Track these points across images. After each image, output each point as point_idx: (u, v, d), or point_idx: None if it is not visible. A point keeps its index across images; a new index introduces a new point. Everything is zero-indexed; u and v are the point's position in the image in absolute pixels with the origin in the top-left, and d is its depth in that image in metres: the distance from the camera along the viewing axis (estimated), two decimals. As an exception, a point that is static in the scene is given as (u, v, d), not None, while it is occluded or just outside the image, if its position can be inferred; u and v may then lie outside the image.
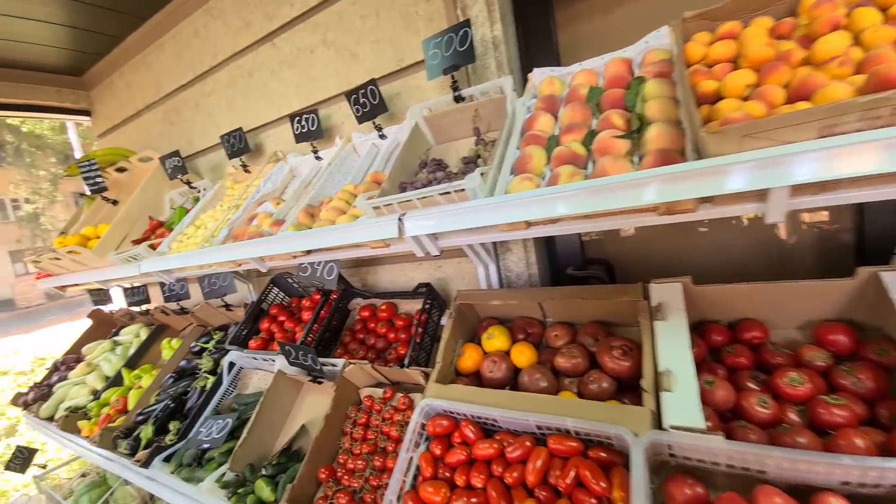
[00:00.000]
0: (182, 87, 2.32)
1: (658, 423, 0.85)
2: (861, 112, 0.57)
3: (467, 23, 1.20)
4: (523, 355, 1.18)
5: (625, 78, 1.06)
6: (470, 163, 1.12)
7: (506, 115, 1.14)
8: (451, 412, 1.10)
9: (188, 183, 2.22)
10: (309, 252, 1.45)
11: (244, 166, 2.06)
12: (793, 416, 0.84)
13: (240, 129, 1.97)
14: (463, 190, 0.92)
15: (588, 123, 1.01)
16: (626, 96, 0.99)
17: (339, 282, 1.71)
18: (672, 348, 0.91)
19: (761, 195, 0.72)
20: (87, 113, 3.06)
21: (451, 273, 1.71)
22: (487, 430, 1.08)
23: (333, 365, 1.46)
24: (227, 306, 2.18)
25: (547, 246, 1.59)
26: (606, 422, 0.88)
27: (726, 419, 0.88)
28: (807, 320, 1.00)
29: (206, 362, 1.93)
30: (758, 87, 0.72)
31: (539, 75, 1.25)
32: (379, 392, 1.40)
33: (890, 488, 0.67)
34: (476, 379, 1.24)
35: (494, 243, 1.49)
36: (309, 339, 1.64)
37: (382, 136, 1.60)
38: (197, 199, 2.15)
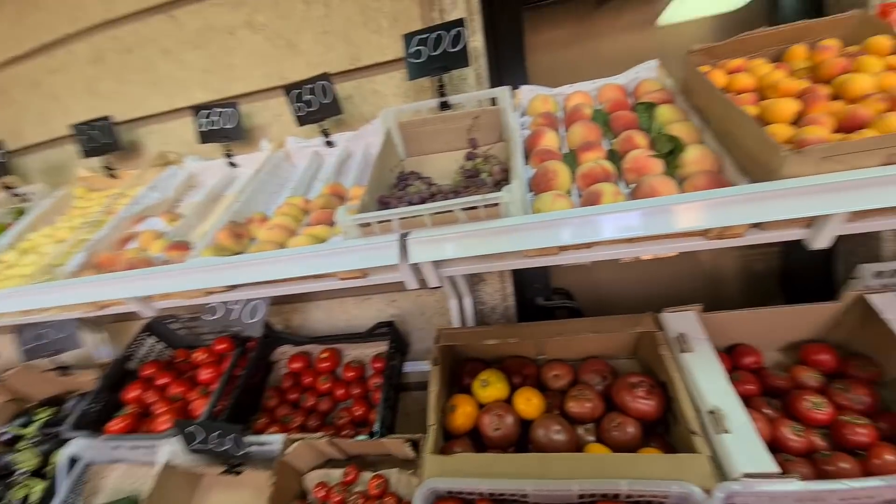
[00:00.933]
0: (15, 58, 1.62)
1: (718, 470, 0.76)
2: (929, 141, 0.59)
3: (461, 22, 1.06)
4: (531, 404, 1.00)
5: (625, 102, 1.04)
6: (473, 176, 0.95)
7: (504, 128, 1.02)
8: (464, 492, 0.84)
9: (9, 188, 1.52)
10: (233, 287, 1.05)
11: (108, 169, 1.50)
12: (818, 440, 0.85)
13: (107, 118, 1.44)
14: (495, 205, 0.74)
15: (601, 143, 0.95)
16: (640, 119, 0.96)
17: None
18: (712, 382, 0.85)
19: (811, 220, 0.72)
20: None
21: (408, 308, 1.46)
22: (505, 507, 0.86)
23: (264, 444, 1.05)
24: (64, 369, 1.50)
25: (516, 274, 1.48)
26: (663, 477, 0.76)
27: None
28: (788, 342, 1.06)
29: (26, 458, 1.24)
30: (803, 115, 0.73)
31: (528, 92, 1.17)
32: (335, 475, 1.04)
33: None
34: (473, 438, 1.01)
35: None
36: (218, 409, 1.18)
37: (330, 144, 1.32)
38: (21, 212, 1.47)
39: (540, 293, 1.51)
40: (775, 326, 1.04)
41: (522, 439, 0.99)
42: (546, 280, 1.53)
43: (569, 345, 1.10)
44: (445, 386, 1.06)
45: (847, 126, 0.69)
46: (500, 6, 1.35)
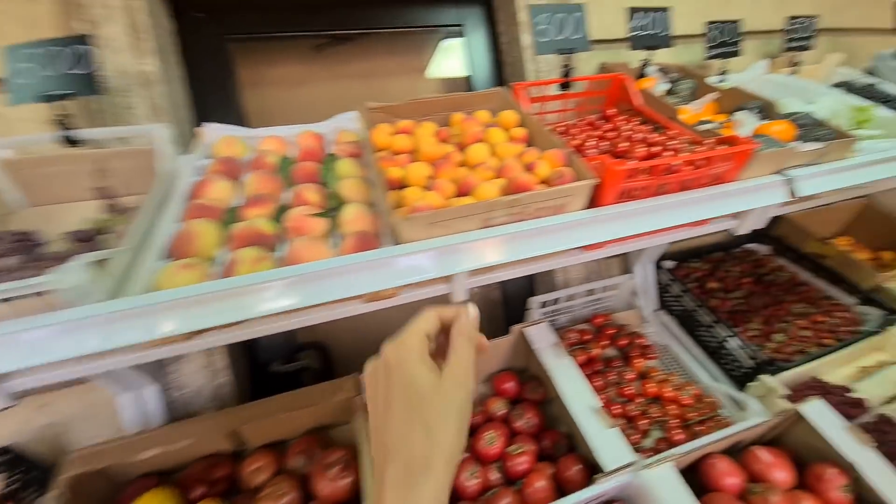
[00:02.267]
0: None
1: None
2: (506, 209, 0.68)
3: (83, 39, 0.82)
4: (207, 522, 0.79)
5: (319, 153, 0.98)
6: (86, 240, 0.71)
7: (156, 174, 0.82)
8: None
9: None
10: None
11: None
12: (493, 474, 0.91)
13: None
14: (48, 292, 0.53)
15: (278, 197, 0.85)
16: (322, 172, 0.90)
17: None
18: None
19: (448, 278, 0.77)
20: None
21: (69, 413, 1.06)
22: None
23: None
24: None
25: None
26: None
27: None
28: (487, 374, 1.17)
29: None
30: (434, 178, 0.78)
31: (214, 132, 1.00)
32: None
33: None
34: None
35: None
36: None
37: None
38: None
39: (279, 355, 1.33)
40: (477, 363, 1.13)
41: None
42: (289, 337, 1.37)
43: (275, 427, 0.95)
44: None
45: (462, 192, 0.75)
46: (192, 30, 1.16)
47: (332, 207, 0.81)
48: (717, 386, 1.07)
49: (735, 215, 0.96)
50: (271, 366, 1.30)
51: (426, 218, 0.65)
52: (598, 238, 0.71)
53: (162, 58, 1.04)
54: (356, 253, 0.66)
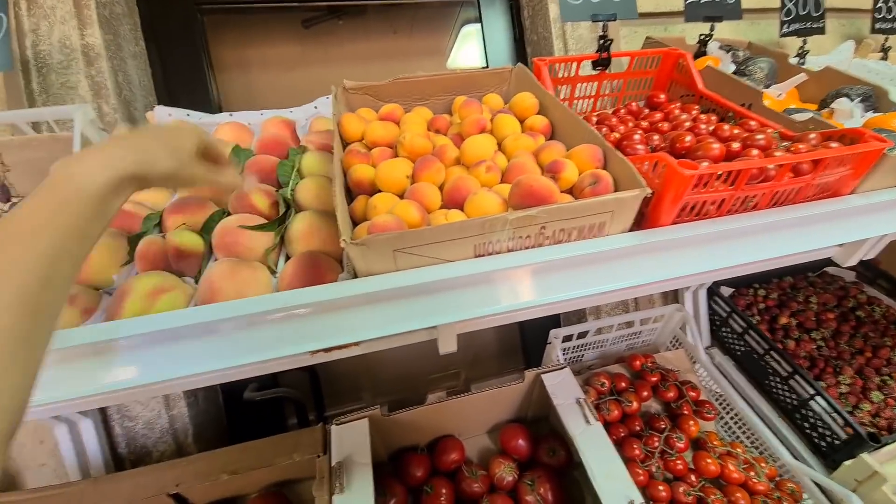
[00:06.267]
0: None
1: None
2: (514, 229, 0.46)
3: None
4: None
5: (285, 143, 0.78)
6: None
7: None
8: None
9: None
10: None
11: None
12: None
13: None
14: None
15: (215, 200, 0.66)
16: (281, 168, 0.70)
17: None
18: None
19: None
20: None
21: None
22: None
23: None
24: None
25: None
26: None
27: None
28: (494, 424, 0.95)
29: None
30: (414, 181, 0.56)
31: (163, 116, 0.82)
32: None
33: None
34: None
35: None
36: None
37: None
38: None
39: (254, 380, 1.15)
40: (479, 411, 0.91)
41: None
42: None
43: (226, 485, 0.76)
44: None
45: (451, 202, 0.53)
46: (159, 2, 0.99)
47: (281, 216, 0.61)
48: (799, 466, 0.80)
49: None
50: (245, 392, 1.12)
51: (388, 242, 0.43)
52: (652, 277, 0.47)
53: (110, 29, 0.87)
54: (290, 290, 0.45)
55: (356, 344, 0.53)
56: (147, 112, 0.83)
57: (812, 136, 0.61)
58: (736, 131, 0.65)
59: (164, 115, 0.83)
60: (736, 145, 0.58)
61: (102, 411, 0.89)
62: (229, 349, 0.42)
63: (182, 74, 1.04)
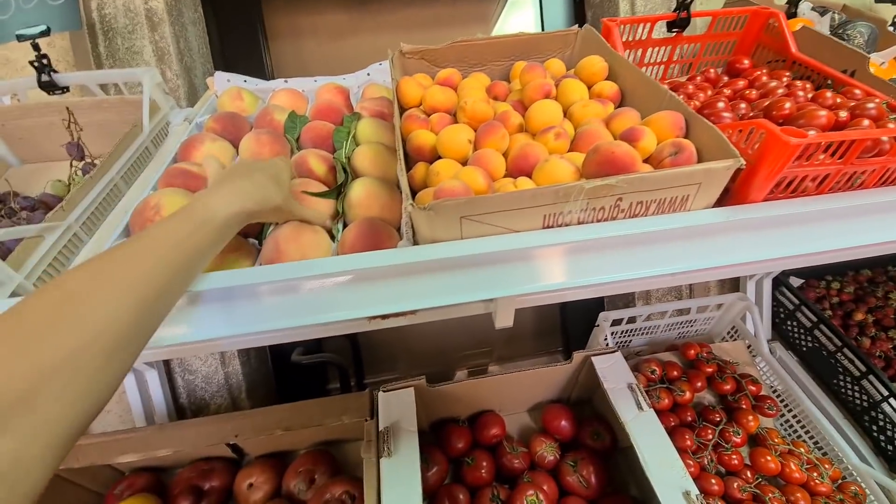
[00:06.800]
0: None
1: None
2: (589, 199, 0.43)
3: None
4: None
5: (339, 110, 0.77)
6: (31, 209, 0.57)
7: (143, 128, 0.66)
8: None
9: None
10: None
11: None
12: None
13: None
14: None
15: (279, 164, 0.66)
16: (336, 134, 0.70)
17: None
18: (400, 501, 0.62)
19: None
20: None
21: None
22: None
23: None
24: None
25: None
26: None
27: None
28: (536, 402, 0.94)
29: None
30: (476, 148, 0.54)
31: (222, 82, 0.83)
32: None
33: None
34: None
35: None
36: None
37: None
38: None
39: (301, 344, 1.19)
40: (521, 389, 0.90)
41: None
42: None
43: (276, 440, 0.80)
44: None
45: (518, 169, 0.51)
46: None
47: (340, 183, 0.60)
48: (867, 469, 0.74)
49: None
50: (292, 355, 1.17)
51: (455, 208, 0.41)
52: (743, 257, 0.43)
53: (175, -5, 0.88)
54: (352, 254, 0.45)
55: (413, 312, 0.53)
56: (207, 78, 0.85)
57: (933, 106, 0.53)
58: (839, 100, 0.57)
59: (223, 80, 0.84)
60: (843, 114, 0.52)
61: (166, 364, 0.95)
62: (301, 308, 0.42)
63: (237, 41, 1.05)
